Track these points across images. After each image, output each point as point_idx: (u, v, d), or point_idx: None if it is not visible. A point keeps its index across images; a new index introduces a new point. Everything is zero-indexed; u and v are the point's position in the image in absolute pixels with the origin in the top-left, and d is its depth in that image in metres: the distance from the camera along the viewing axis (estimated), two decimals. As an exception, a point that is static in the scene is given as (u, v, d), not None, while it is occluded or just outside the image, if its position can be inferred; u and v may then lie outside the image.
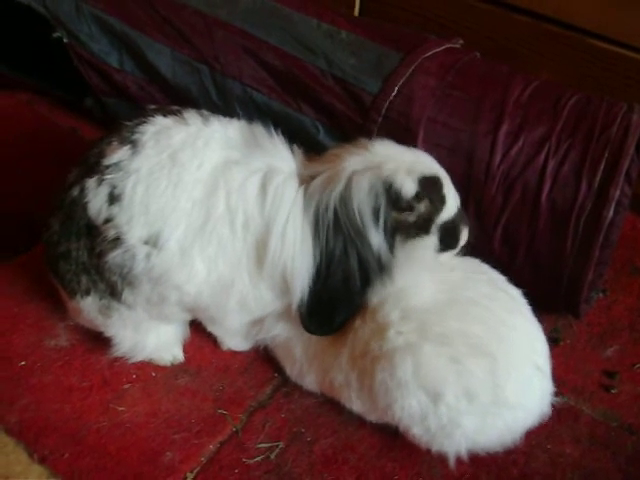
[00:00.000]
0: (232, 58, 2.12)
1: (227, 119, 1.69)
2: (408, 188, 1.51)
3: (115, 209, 1.54)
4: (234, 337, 1.85)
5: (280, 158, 1.59)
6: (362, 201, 1.49)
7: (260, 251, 1.54)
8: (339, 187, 1.50)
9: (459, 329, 1.55)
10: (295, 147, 1.65)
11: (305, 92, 2.04)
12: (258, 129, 1.65)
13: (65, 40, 2.30)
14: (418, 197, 1.53)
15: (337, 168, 1.53)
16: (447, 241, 1.61)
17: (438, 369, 1.52)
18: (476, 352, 1.53)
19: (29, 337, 1.89)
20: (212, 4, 2.19)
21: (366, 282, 1.53)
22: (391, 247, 1.53)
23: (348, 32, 2.08)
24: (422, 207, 1.54)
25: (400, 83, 1.94)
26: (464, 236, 1.64)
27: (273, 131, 1.64)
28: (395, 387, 1.54)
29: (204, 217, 1.53)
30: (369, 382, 1.59)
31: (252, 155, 1.58)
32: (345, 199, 1.49)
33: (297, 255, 1.51)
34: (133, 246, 1.54)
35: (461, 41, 2.15)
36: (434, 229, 1.57)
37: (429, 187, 1.54)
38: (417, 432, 1.58)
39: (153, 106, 1.75)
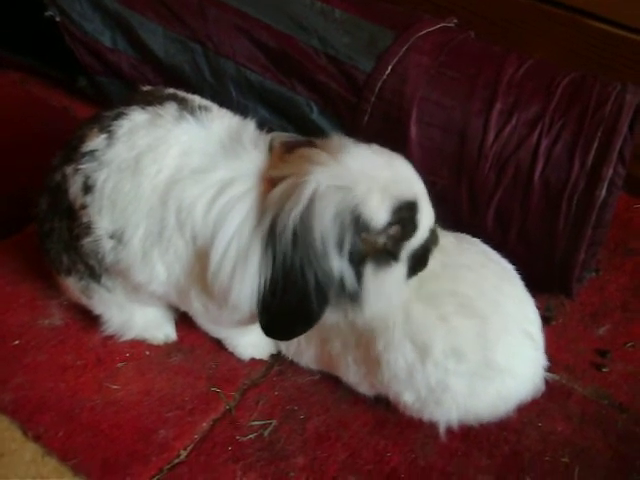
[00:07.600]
0: (225, 37, 2.11)
1: (213, 114, 1.59)
2: (379, 218, 1.38)
3: (88, 198, 1.55)
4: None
5: (246, 166, 1.47)
6: (325, 229, 1.35)
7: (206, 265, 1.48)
8: (299, 207, 1.35)
9: (451, 290, 1.56)
10: (278, 140, 1.53)
11: (299, 71, 2.03)
12: (244, 127, 1.57)
13: (57, 19, 2.29)
14: (389, 224, 1.40)
15: (299, 179, 1.38)
16: (416, 267, 1.52)
17: (427, 325, 1.53)
18: (467, 313, 1.54)
19: (23, 316, 1.89)
20: (206, -17, 2.18)
21: (324, 302, 1.41)
22: (358, 275, 1.41)
23: (342, 11, 2.07)
24: (392, 231, 1.42)
25: (394, 62, 1.93)
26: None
27: (262, 125, 1.58)
28: (383, 330, 1.54)
29: (160, 224, 1.50)
30: (365, 339, 1.59)
31: (215, 163, 1.48)
32: (306, 223, 1.35)
33: (237, 273, 1.43)
34: (101, 237, 1.55)
35: (455, 20, 2.14)
36: (404, 256, 1.46)
37: (402, 213, 1.41)
38: (407, 399, 1.59)
39: (146, 87, 1.73)
